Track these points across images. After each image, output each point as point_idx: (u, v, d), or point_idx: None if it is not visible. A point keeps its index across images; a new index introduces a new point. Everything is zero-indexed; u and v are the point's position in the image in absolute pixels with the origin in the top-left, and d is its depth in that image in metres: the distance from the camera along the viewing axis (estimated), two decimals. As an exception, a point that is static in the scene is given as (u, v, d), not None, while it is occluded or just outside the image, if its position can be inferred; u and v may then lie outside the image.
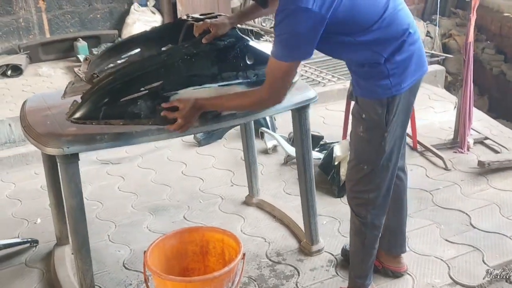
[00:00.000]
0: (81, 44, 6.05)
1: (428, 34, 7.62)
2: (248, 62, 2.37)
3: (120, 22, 6.62)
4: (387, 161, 2.28)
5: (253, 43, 2.41)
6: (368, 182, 2.31)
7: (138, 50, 2.64)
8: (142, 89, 2.20)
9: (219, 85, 2.32)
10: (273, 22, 2.21)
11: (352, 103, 2.33)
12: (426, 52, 4.99)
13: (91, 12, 6.53)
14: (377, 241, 2.48)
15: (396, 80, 2.12)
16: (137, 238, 3.15)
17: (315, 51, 2.11)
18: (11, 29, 6.15)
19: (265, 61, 2.37)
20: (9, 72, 5.72)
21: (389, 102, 2.15)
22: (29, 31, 6.25)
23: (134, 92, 2.20)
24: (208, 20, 2.36)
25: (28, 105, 2.61)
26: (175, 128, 2.24)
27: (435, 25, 7.65)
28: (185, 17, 2.60)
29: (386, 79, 2.12)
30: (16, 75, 5.73)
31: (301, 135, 2.77)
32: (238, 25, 2.46)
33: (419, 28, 7.15)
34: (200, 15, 2.58)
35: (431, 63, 5.73)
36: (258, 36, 2.56)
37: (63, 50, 6.25)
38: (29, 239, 3.13)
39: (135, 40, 2.68)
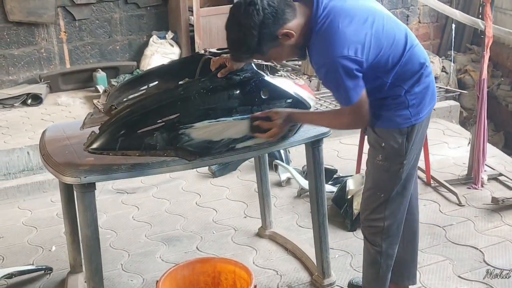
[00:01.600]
0: (100, 75, 6.15)
1: (443, 69, 7.65)
2: (263, 97, 2.42)
3: (138, 53, 6.71)
4: (402, 188, 2.35)
5: (268, 78, 2.45)
6: (384, 209, 2.37)
7: (156, 83, 2.71)
8: (159, 121, 2.25)
9: (234, 119, 2.36)
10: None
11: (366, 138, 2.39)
12: (441, 88, 5.06)
13: (111, 43, 6.64)
14: (390, 270, 2.50)
15: (415, 110, 2.25)
16: (150, 267, 3.18)
17: None
18: (32, 59, 6.27)
19: (280, 96, 2.44)
20: (29, 101, 5.82)
21: (408, 131, 2.27)
22: (50, 61, 6.36)
23: (150, 124, 2.26)
24: (225, 55, 2.42)
25: (48, 135, 2.67)
26: (267, 136, 2.38)
27: (451, 60, 7.71)
28: (202, 52, 2.66)
29: (406, 110, 2.24)
30: (36, 104, 5.82)
31: (315, 168, 2.80)
32: (254, 60, 2.52)
33: (434, 63, 7.23)
34: (217, 49, 2.65)
35: (446, 98, 5.77)
36: (273, 71, 2.62)
37: (82, 80, 6.33)
38: (44, 267, 3.17)
39: (153, 73, 2.75)
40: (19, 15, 6.00)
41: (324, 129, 2.71)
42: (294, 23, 2.10)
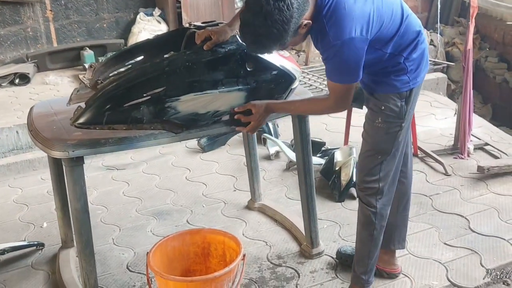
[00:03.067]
0: (88, 53, 6.14)
1: (431, 42, 7.66)
2: (248, 69, 2.43)
3: (126, 31, 6.69)
4: (396, 150, 2.42)
5: (253, 50, 2.47)
6: (379, 171, 2.44)
7: (141, 57, 2.72)
8: (145, 95, 2.27)
9: (219, 91, 2.38)
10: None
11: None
12: (429, 60, 5.08)
13: (97, 21, 6.62)
14: (383, 231, 2.57)
15: (413, 75, 2.34)
16: (141, 241, 3.22)
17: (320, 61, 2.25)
18: (19, 39, 6.24)
19: (265, 68, 2.45)
20: (17, 81, 5.81)
21: (407, 95, 2.35)
22: (36, 40, 6.34)
23: (136, 98, 2.28)
24: (209, 28, 2.43)
25: (35, 111, 2.69)
26: (247, 130, 2.47)
27: (438, 33, 7.73)
28: (187, 25, 2.67)
29: (405, 75, 2.33)
30: (24, 84, 5.81)
31: (302, 140, 2.83)
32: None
33: (422, 36, 7.25)
34: (202, 23, 2.66)
35: (434, 71, 5.80)
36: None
37: (70, 59, 6.32)
38: (35, 242, 3.20)
39: (138, 48, 2.76)
40: (4, -7, 5.97)
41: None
42: (310, 12, 2.12)
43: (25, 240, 3.29)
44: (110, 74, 2.61)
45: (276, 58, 2.53)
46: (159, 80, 2.28)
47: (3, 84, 5.77)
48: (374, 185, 2.46)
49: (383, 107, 2.36)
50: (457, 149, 4.15)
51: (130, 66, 2.66)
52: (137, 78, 2.28)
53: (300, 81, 2.74)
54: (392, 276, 2.80)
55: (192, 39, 2.49)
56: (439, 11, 6.96)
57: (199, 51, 2.35)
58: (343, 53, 2.13)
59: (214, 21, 2.69)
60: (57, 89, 5.59)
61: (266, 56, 2.46)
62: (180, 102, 2.32)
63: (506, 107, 6.68)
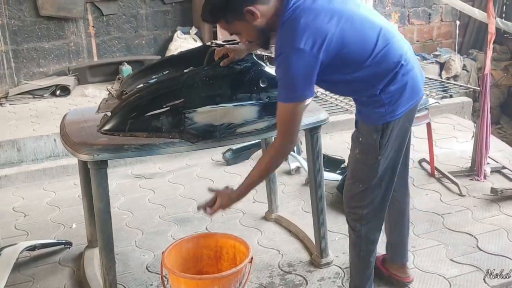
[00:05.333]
0: (126, 68, 6.43)
1: (464, 67, 7.75)
2: (262, 85, 2.62)
3: (163, 48, 6.98)
4: (380, 180, 2.46)
5: (267, 68, 2.66)
6: (362, 199, 2.50)
7: (167, 71, 2.94)
8: (165, 106, 2.48)
9: (234, 105, 2.57)
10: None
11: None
12: (460, 86, 5.17)
13: (136, 38, 6.93)
14: (373, 254, 2.65)
15: (390, 108, 2.30)
16: (161, 245, 3.40)
17: None
18: (62, 52, 6.59)
19: (277, 85, 2.62)
20: (58, 92, 6.15)
21: (383, 128, 2.33)
22: (78, 54, 6.68)
23: (157, 108, 2.49)
24: (228, 46, 2.63)
25: (68, 118, 2.93)
26: (213, 212, 2.54)
27: (472, 59, 7.80)
28: (209, 43, 2.88)
29: (381, 107, 2.31)
30: (64, 95, 6.15)
31: (313, 154, 3.00)
32: (255, 51, 2.72)
33: (455, 61, 7.29)
34: (223, 41, 2.86)
35: (466, 95, 5.92)
36: (272, 61, 2.81)
37: (109, 73, 6.63)
38: (64, 241, 3.44)
39: (164, 63, 2.99)
40: (50, 10, 6.33)
41: (321, 117, 2.90)
42: (265, 7, 2.18)
43: (54, 239, 3.52)
44: (137, 87, 2.84)
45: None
46: (178, 92, 2.49)
47: (45, 95, 6.12)
48: (358, 211, 2.53)
49: (360, 139, 2.40)
50: (474, 171, 4.23)
51: (156, 79, 2.88)
52: (158, 90, 2.50)
53: (317, 97, 2.89)
54: (400, 284, 2.90)
55: (213, 55, 2.70)
56: (472, 37, 7.05)
57: (216, 67, 2.55)
58: (291, 63, 2.11)
59: (235, 40, 2.88)
60: (95, 101, 5.88)
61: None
62: (197, 114, 2.51)
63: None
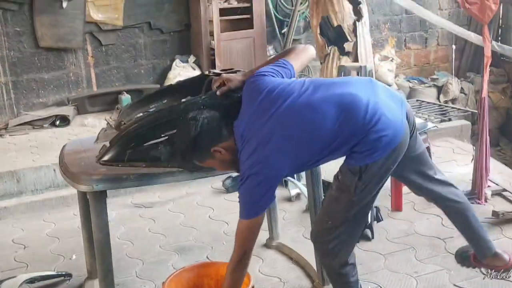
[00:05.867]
0: (125, 97, 6.44)
1: (462, 91, 7.79)
2: (259, 113, 2.62)
3: (162, 77, 7.01)
4: (352, 217, 2.43)
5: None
6: (329, 234, 2.47)
7: (165, 101, 2.95)
8: (162, 135, 2.49)
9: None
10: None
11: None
12: (458, 109, 5.16)
13: (135, 67, 6.97)
14: (349, 277, 2.59)
15: (367, 153, 2.28)
16: (162, 274, 3.36)
17: None
18: (61, 83, 6.61)
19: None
20: (57, 122, 6.17)
21: (361, 170, 2.30)
22: (78, 84, 6.71)
23: (155, 138, 2.50)
24: (224, 75, 2.64)
25: (67, 149, 2.94)
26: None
27: (469, 82, 7.84)
28: (206, 72, 2.90)
29: (357, 153, 2.30)
30: (64, 125, 6.16)
31: (312, 179, 3.00)
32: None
33: (452, 85, 7.32)
34: (221, 70, 2.88)
35: (464, 118, 5.93)
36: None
37: (108, 102, 6.64)
38: (64, 273, 3.42)
39: (162, 93, 3.01)
40: (49, 41, 6.38)
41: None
42: (226, 143, 2.34)
43: (54, 271, 3.50)
44: (135, 117, 2.85)
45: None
46: (175, 122, 2.48)
47: (44, 125, 6.14)
48: (324, 245, 2.50)
49: (339, 177, 2.39)
50: (474, 194, 4.22)
51: (154, 109, 2.89)
52: (156, 120, 2.51)
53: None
54: (507, 271, 2.92)
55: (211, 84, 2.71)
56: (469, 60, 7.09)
57: (213, 96, 2.56)
58: (252, 183, 2.24)
59: (233, 68, 2.90)
60: (94, 130, 5.85)
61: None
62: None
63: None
